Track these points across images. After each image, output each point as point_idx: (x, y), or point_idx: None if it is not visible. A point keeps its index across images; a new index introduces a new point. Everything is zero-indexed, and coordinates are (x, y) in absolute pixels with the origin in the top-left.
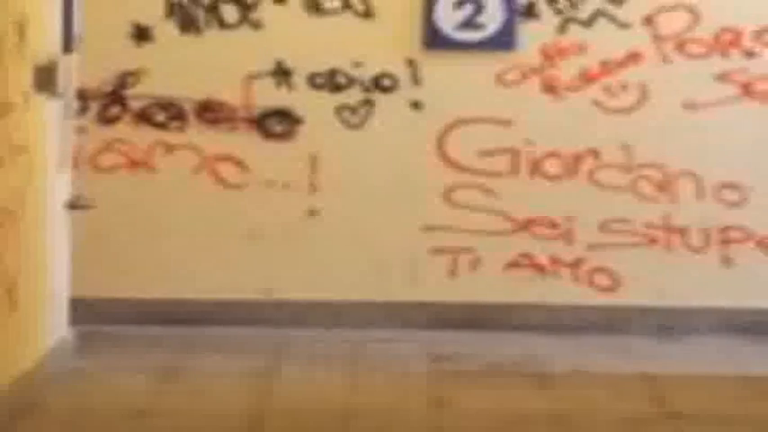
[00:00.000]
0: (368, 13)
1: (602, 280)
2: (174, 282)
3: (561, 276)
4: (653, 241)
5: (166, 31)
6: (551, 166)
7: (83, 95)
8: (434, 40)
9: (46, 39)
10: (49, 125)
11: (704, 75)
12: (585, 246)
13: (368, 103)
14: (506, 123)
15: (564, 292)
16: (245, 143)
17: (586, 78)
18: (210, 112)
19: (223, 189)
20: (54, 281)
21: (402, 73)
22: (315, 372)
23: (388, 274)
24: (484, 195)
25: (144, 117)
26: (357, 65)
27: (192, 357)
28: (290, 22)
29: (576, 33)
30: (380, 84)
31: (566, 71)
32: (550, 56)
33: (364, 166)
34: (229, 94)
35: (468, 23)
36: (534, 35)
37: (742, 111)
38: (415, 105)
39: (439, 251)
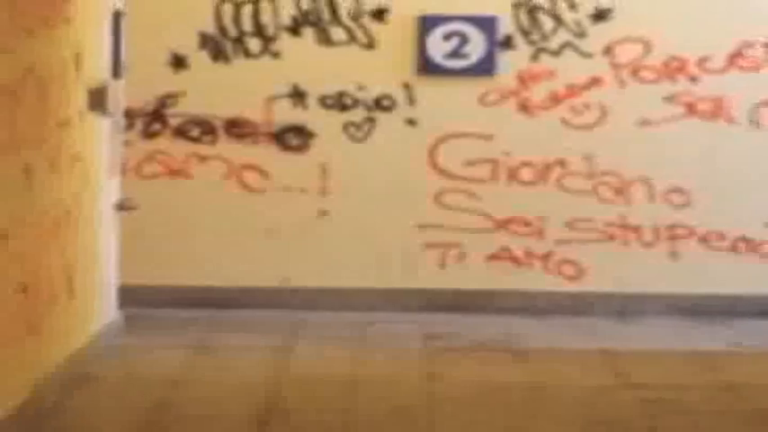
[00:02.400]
0: (370, 45)
1: (569, 270)
2: (205, 271)
3: (534, 267)
4: (611, 237)
5: (200, 59)
6: (525, 174)
7: (129, 114)
8: (426, 67)
9: (98, 66)
10: (101, 139)
11: (655, 96)
12: (554, 241)
13: (370, 120)
14: (487, 137)
15: (537, 280)
16: (266, 154)
17: (555, 99)
18: (237, 128)
19: (247, 193)
20: (105, 271)
21: (399, 95)
22: (324, 348)
23: (388, 265)
24: (468, 198)
25: (181, 132)
26: (361, 88)
27: (220, 335)
28: (305, 52)
29: (546, 61)
30: (381, 104)
31: (537, 93)
32: (524, 80)
33: (367, 174)
34: (253, 113)
35: (455, 53)
36: (511, 63)
37: (687, 127)
38: (410, 122)
39: (431, 246)
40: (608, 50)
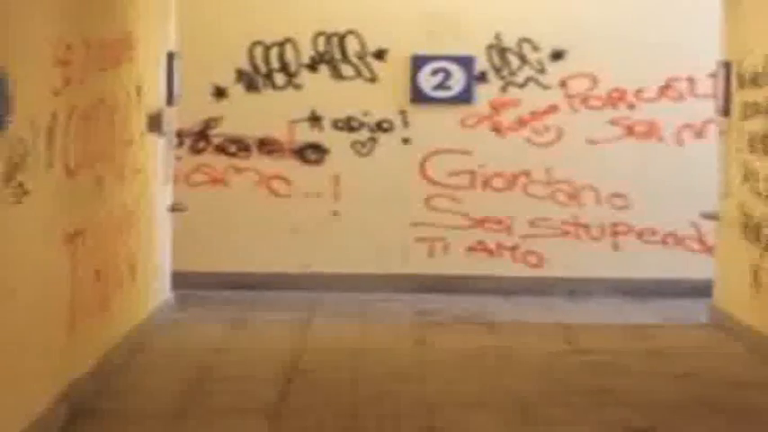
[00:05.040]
0: (373, 79)
1: (532, 259)
2: (242, 260)
3: (504, 257)
4: (566, 233)
5: (236, 90)
6: (497, 182)
7: (179, 134)
8: (418, 96)
9: (155, 96)
10: (157, 154)
11: (601, 120)
12: (520, 236)
13: (373, 139)
14: (467, 153)
15: (506, 267)
16: (290, 167)
17: (521, 123)
18: (267, 146)
19: (275, 198)
20: (160, 259)
21: (396, 119)
22: (336, 322)
23: (387, 255)
24: (451, 202)
25: (221, 149)
26: (366, 113)
27: (254, 312)
28: (321, 84)
29: (513, 92)
30: (381, 126)
31: (506, 118)
32: (496, 107)
33: (370, 182)
34: (279, 133)
35: (441, 85)
36: (485, 93)
37: (626, 145)
38: (405, 141)
39: (421, 240)
40: (563, 83)
